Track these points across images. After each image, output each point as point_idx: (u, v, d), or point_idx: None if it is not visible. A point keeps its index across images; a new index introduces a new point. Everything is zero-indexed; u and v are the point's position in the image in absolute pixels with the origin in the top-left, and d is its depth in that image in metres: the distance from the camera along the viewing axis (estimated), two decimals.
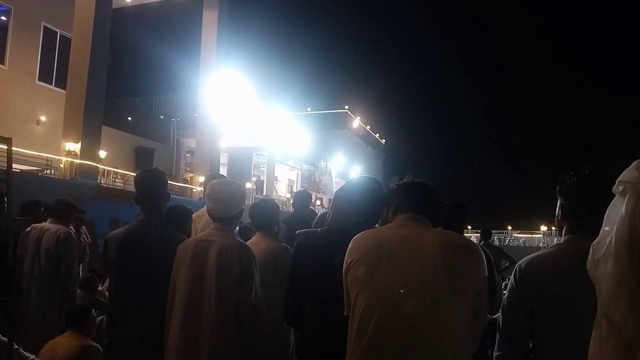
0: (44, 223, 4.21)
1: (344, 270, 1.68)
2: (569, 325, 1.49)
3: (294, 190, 22.39)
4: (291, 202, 14.56)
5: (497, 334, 1.70)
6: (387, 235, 1.65)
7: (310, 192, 5.48)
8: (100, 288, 5.59)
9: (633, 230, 0.81)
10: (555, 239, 5.37)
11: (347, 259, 1.67)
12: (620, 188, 0.87)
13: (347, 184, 2.16)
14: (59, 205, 4.31)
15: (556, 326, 1.54)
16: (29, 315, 3.85)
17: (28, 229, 4.08)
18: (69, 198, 4.54)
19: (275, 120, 20.19)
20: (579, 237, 1.59)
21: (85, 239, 7.24)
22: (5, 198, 3.07)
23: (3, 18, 13.31)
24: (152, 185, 2.66)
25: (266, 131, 19.48)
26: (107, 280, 5.61)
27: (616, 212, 0.86)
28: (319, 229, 2.19)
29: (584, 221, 1.58)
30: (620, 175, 0.88)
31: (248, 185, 17.52)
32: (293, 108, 25.42)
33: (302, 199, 4.86)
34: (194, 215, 3.51)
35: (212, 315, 2.25)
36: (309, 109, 29.39)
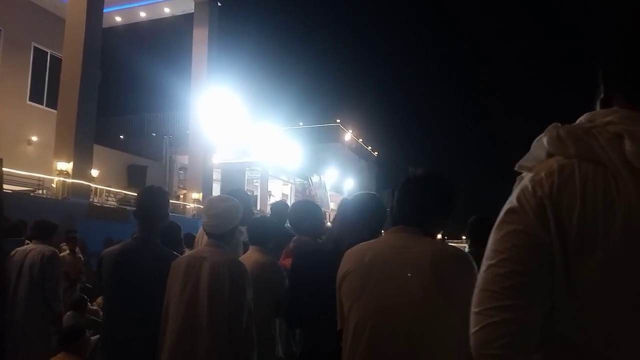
0: (27, 245, 4.16)
1: (337, 284, 1.69)
2: None
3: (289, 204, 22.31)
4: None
5: None
6: (379, 247, 1.66)
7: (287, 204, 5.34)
8: (94, 307, 5.54)
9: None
10: None
11: (340, 272, 1.69)
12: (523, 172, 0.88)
13: (352, 200, 2.23)
14: (39, 226, 4.26)
15: None
16: (17, 338, 3.78)
17: (13, 252, 4.03)
18: (47, 218, 4.50)
19: (267, 135, 20.23)
20: None
21: (80, 258, 7.18)
22: None
23: None
24: (151, 204, 2.66)
25: (259, 146, 19.51)
26: (100, 297, 5.58)
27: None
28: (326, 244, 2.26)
29: None
30: (522, 160, 0.89)
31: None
32: (285, 123, 25.53)
33: (280, 210, 4.72)
34: (197, 234, 3.51)
35: (205, 332, 2.24)
36: (301, 124, 29.54)
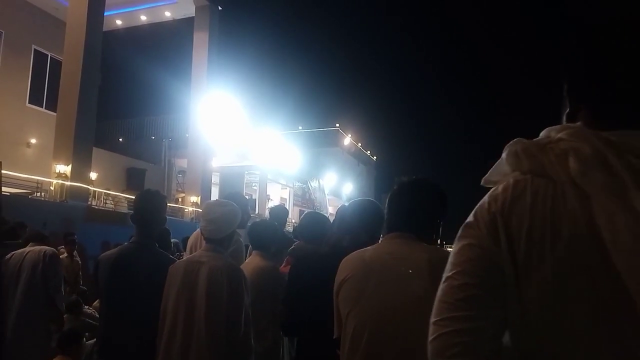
0: (24, 248, 4.16)
1: (334, 291, 1.70)
2: None
3: (288, 208, 22.31)
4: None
5: None
6: (376, 254, 1.67)
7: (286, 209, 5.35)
8: (90, 311, 5.53)
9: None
10: None
11: (337, 278, 1.70)
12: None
13: (350, 205, 2.25)
14: (34, 232, 4.34)
15: None
16: (17, 340, 3.77)
17: (8, 256, 4.02)
18: (45, 222, 4.55)
19: (266, 139, 20.25)
20: None
21: (77, 261, 7.17)
22: None
23: None
24: (149, 208, 2.66)
25: (258, 150, 19.51)
26: (97, 301, 5.56)
27: None
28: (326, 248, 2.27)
29: None
30: (488, 175, 0.92)
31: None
32: (284, 127, 25.55)
33: (279, 214, 4.74)
34: (191, 236, 3.50)
35: (202, 337, 2.24)
36: (300, 128, 29.53)
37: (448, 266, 0.86)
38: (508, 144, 0.87)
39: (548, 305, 0.77)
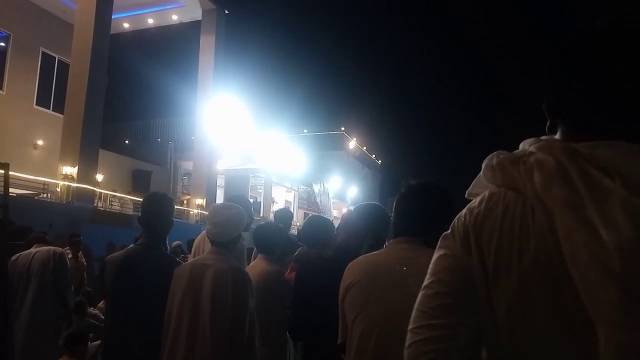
0: (31, 249, 4.18)
1: (340, 295, 1.69)
2: None
3: (292, 211, 22.30)
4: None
5: None
6: (383, 259, 1.66)
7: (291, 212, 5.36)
8: (94, 312, 5.54)
9: None
10: None
11: (343, 283, 1.68)
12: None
13: (355, 209, 2.24)
14: (38, 235, 4.39)
15: None
16: (27, 340, 3.79)
17: (14, 257, 4.05)
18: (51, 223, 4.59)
19: (272, 142, 20.28)
20: None
21: (83, 262, 7.19)
22: None
23: (2, 44, 13.46)
24: (156, 210, 2.66)
25: (263, 153, 19.55)
26: (101, 302, 5.58)
27: None
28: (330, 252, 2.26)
29: None
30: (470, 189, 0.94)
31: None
32: (290, 130, 25.58)
33: (283, 217, 4.75)
34: (196, 239, 3.51)
35: (207, 339, 2.24)
36: (305, 131, 29.57)
37: (426, 275, 0.89)
38: (487, 157, 0.89)
39: (514, 315, 0.79)
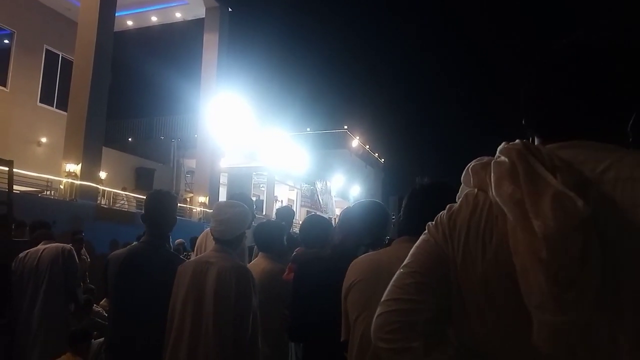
0: (38, 246, 4.19)
1: (343, 294, 1.68)
2: None
3: (295, 209, 22.32)
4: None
5: None
6: (386, 257, 1.66)
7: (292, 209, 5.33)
8: (98, 309, 5.56)
9: None
10: None
11: (346, 282, 1.68)
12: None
13: (354, 207, 2.22)
14: (45, 232, 4.41)
15: None
16: (38, 336, 3.80)
17: (22, 254, 4.05)
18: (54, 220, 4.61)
19: (275, 140, 20.28)
20: None
21: (86, 260, 7.20)
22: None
23: (6, 41, 13.48)
24: (159, 208, 2.66)
25: (266, 151, 19.55)
26: (104, 300, 5.60)
27: None
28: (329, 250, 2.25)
29: None
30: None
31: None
32: (293, 128, 25.56)
33: (285, 215, 4.72)
34: (199, 237, 3.52)
35: (210, 337, 2.24)
36: (308, 129, 29.54)
37: (408, 256, 0.99)
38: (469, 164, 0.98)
39: (477, 301, 0.88)
